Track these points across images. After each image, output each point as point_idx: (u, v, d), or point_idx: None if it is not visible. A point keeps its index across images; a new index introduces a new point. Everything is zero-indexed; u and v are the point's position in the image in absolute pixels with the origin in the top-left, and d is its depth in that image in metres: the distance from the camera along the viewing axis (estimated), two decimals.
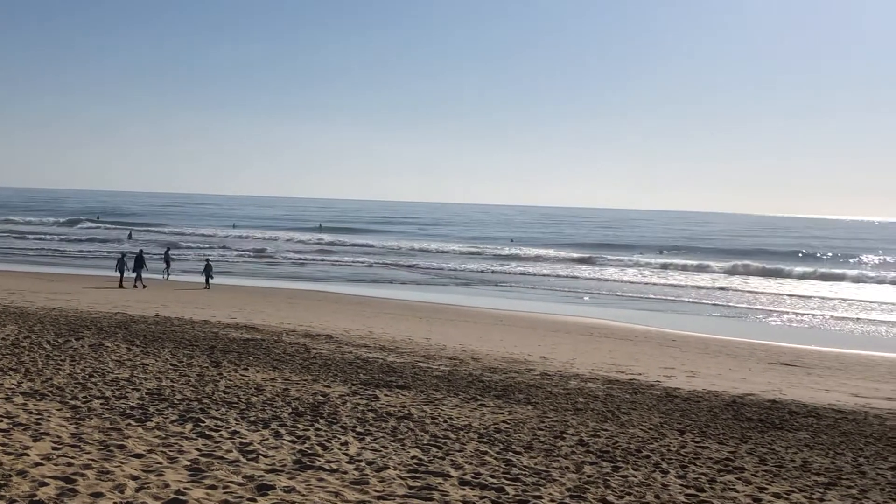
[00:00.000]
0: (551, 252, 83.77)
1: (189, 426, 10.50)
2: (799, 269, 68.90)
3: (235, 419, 11.22)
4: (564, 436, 12.19)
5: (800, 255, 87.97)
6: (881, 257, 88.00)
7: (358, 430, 11.28)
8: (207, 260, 45.67)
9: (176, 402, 12.11)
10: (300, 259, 69.59)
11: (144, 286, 40.37)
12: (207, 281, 42.42)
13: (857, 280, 60.84)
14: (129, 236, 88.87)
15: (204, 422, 10.80)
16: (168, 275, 46.30)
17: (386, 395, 14.52)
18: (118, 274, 41.44)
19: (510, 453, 10.69)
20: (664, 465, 10.75)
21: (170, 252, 50.73)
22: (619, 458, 10.94)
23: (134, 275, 41.19)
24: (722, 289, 52.88)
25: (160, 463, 8.55)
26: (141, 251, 44.71)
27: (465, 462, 9.93)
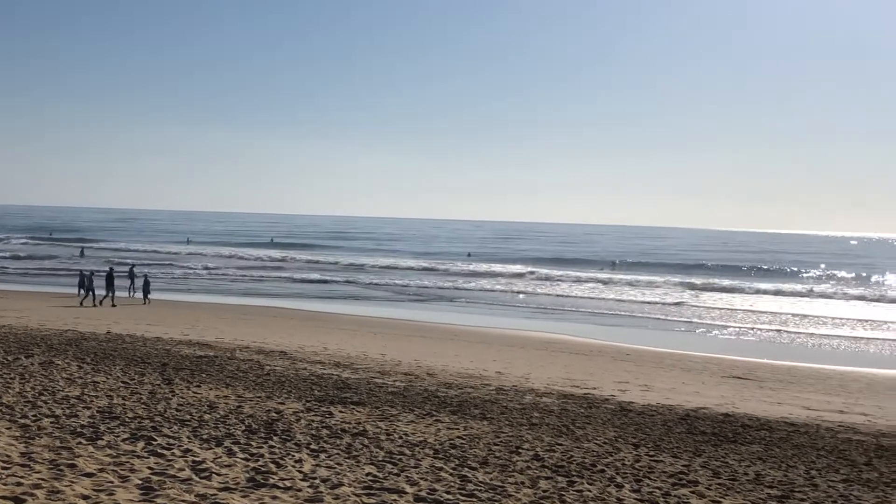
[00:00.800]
0: (508, 267, 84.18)
1: (141, 444, 10.36)
2: (752, 283, 69.88)
3: (188, 437, 11.09)
4: (520, 451, 12.19)
5: (754, 269, 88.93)
6: (833, 272, 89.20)
7: (312, 447, 11.20)
8: (145, 276, 44.99)
9: (127, 420, 11.95)
10: (254, 275, 69.05)
11: (114, 305, 39.61)
12: (145, 296, 42.05)
13: (809, 294, 61.62)
14: (81, 253, 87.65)
15: (156, 440, 10.67)
16: (133, 293, 44.76)
17: (341, 411, 14.44)
18: (85, 292, 40.15)
19: (466, 469, 10.67)
20: (619, 480, 10.77)
21: (134, 269, 49.09)
22: (574, 473, 10.95)
23: (103, 293, 40.35)
24: (677, 304, 53.11)
25: (111, 482, 8.42)
26: (111, 269, 43.78)
27: (421, 478, 9.89)
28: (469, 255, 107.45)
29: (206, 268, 74.82)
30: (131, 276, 46.57)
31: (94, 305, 39.17)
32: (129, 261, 70.49)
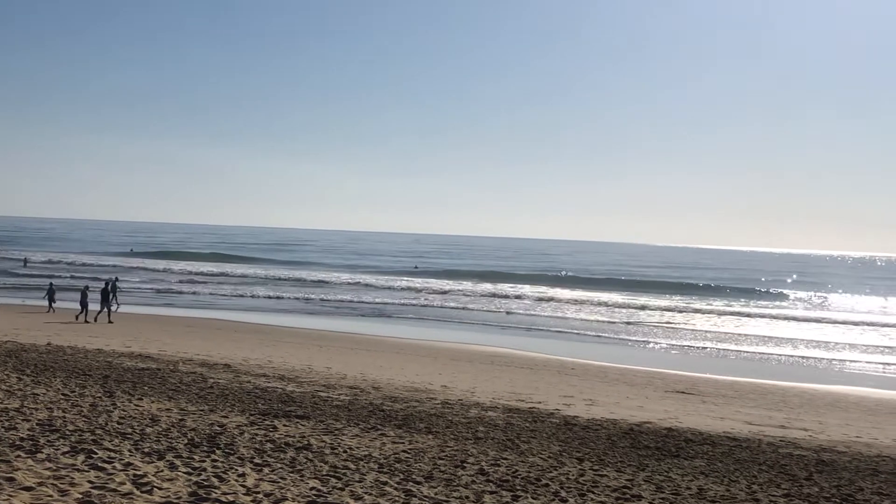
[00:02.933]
0: (454, 280, 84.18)
1: (81, 458, 10.19)
2: (696, 298, 70.79)
3: (129, 450, 10.93)
4: (465, 465, 12.18)
5: (697, 285, 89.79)
6: (776, 288, 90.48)
7: (256, 460, 11.10)
8: (85, 287, 42.21)
9: (68, 433, 11.75)
10: (198, 287, 68.34)
11: (110, 321, 37.99)
12: (83, 309, 39.50)
13: (751, 310, 62.46)
14: (25, 264, 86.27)
15: (96, 453, 10.50)
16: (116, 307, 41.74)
17: (285, 425, 14.33)
18: (80, 307, 38.59)
19: (410, 483, 10.64)
20: (563, 494, 10.81)
21: (116, 283, 44.99)
22: (518, 487, 10.97)
23: (98, 308, 38.78)
24: (628, 323, 53.47)
25: (50, 496, 8.27)
26: (107, 283, 41.59)
27: (365, 493, 9.85)
28: (416, 267, 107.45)
29: (150, 279, 73.88)
30: (113, 289, 44.88)
31: (87, 321, 37.70)
32: (79, 275, 69.45)
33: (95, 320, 37.99)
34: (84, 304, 38.67)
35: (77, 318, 38.18)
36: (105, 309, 38.86)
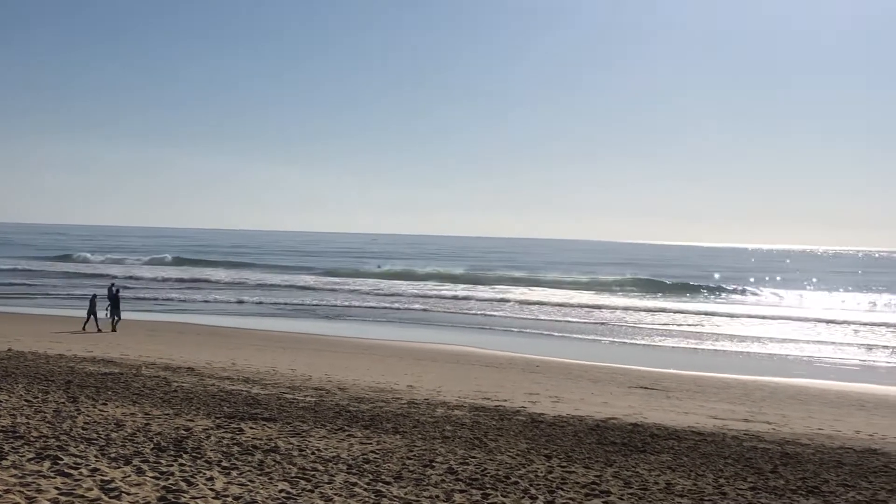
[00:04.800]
0: (419, 280, 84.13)
1: (47, 464, 10.09)
2: (657, 294, 71.32)
3: (95, 456, 10.84)
4: (433, 464, 12.20)
5: (659, 281, 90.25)
6: (738, 284, 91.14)
7: (223, 464, 11.05)
8: (94, 296, 40.29)
9: (32, 439, 11.63)
10: (158, 291, 67.81)
11: (114, 329, 37.23)
12: (90, 317, 38.20)
13: (713, 306, 63.11)
14: None
15: (62, 459, 10.40)
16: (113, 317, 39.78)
17: (251, 427, 14.27)
18: (87, 316, 37.67)
19: (380, 484, 10.64)
20: (533, 491, 10.85)
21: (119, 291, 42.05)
22: (488, 486, 11.00)
23: (109, 316, 37.98)
24: (592, 321, 53.71)
25: (18, 503, 8.20)
26: (117, 291, 40.38)
27: (335, 494, 9.84)
28: (379, 267, 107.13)
29: (109, 282, 73.08)
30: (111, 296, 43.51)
31: (98, 330, 36.79)
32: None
33: (113, 329, 37.31)
34: (92, 313, 37.87)
35: (84, 328, 37.20)
36: (115, 317, 38.13)
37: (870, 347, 40.44)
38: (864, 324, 50.59)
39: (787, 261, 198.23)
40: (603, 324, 49.35)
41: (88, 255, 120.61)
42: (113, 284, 43.81)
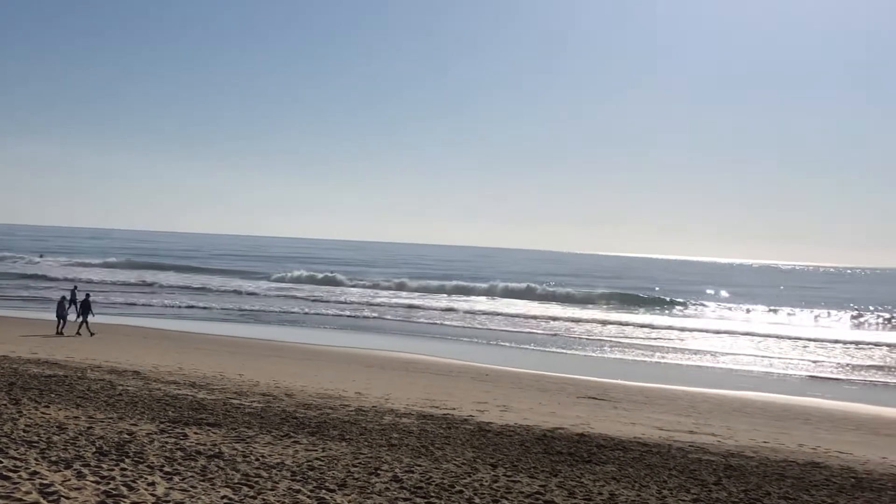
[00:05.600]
0: (372, 289, 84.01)
1: None
2: (607, 305, 71.92)
3: (35, 459, 10.69)
4: (379, 472, 12.17)
5: (608, 292, 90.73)
6: (692, 299, 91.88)
7: (166, 469, 10.94)
8: (62, 298, 39.37)
9: None
10: (109, 293, 67.00)
11: (92, 333, 36.73)
12: (62, 321, 37.70)
13: (662, 318, 63.67)
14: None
15: (1, 462, 10.25)
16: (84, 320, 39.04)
17: (196, 432, 14.15)
18: (58, 319, 37.25)
19: (323, 491, 10.59)
20: (477, 500, 10.87)
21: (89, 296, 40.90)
22: (432, 494, 11.00)
23: (78, 319, 37.68)
24: (547, 333, 53.87)
25: None
26: (87, 295, 40.01)
27: (277, 501, 9.79)
28: (332, 272, 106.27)
29: (61, 283, 72.29)
30: (73, 298, 42.82)
31: (69, 334, 36.46)
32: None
33: (90, 333, 36.92)
34: (62, 316, 37.45)
35: (58, 332, 36.82)
36: (84, 321, 37.72)
37: (818, 362, 40.91)
38: (815, 339, 51.12)
39: (767, 275, 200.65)
40: (554, 335, 49.55)
41: (37, 256, 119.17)
42: (76, 287, 43.35)
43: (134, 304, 58.15)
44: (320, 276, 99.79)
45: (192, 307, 58.31)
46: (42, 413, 14.73)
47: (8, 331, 36.02)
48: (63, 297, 38.98)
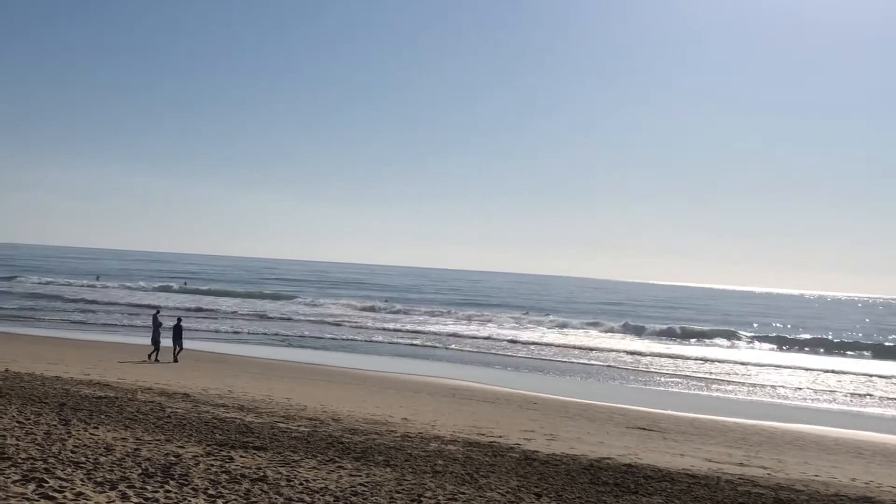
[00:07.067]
0: (423, 315, 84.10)
1: (32, 486, 10.05)
2: (658, 333, 71.39)
3: (81, 480, 10.79)
4: (422, 499, 12.11)
5: (659, 321, 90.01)
6: (737, 327, 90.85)
7: (210, 492, 10.99)
8: (159, 325, 39.74)
9: (20, 461, 11.59)
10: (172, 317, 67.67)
11: (176, 360, 36.97)
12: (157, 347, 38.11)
13: (714, 346, 62.98)
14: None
15: (48, 482, 10.36)
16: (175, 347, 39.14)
17: (241, 456, 14.20)
18: (153, 346, 37.77)
19: None
20: None
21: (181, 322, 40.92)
22: None
23: (172, 346, 37.98)
24: (597, 362, 53.57)
25: None
26: (179, 320, 40.51)
27: None
28: (386, 301, 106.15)
29: (113, 305, 73.44)
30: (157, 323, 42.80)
31: (165, 360, 36.72)
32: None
33: (176, 360, 37.18)
34: (156, 342, 37.95)
35: (150, 357, 37.13)
36: (177, 347, 38.05)
37: (871, 395, 40.21)
38: (867, 374, 50.20)
39: (817, 306, 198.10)
40: (609, 366, 49.19)
41: (94, 279, 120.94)
42: (158, 312, 43.63)
43: (188, 329, 58.73)
44: (366, 302, 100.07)
45: (237, 332, 58.76)
46: (91, 434, 14.88)
47: (39, 348, 36.51)
48: (160, 323, 39.38)
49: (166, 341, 38.51)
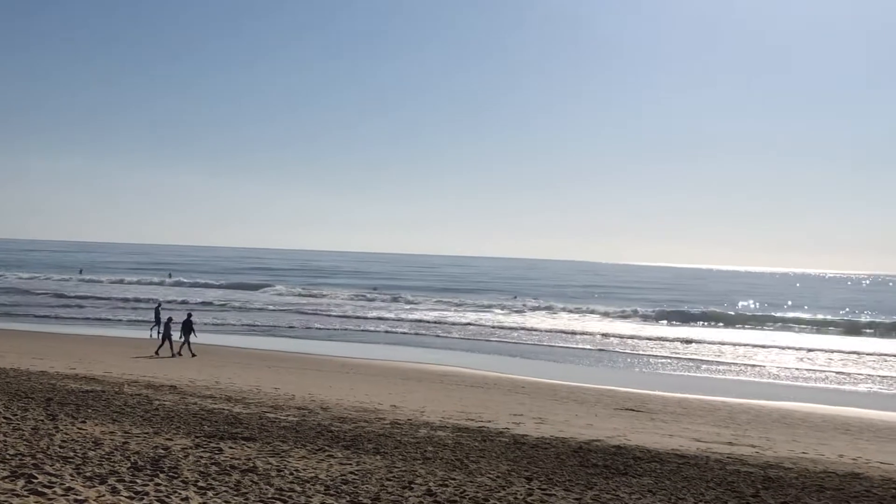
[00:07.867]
0: (409, 303, 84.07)
1: (21, 483, 9.99)
2: (645, 315, 71.60)
3: (71, 475, 10.74)
4: (412, 486, 12.11)
5: (647, 302, 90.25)
6: (723, 306, 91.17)
7: (200, 484, 10.95)
8: (169, 319, 39.84)
9: (8, 457, 11.52)
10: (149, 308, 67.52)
11: (194, 354, 36.52)
12: (165, 341, 38.02)
13: (700, 325, 63.14)
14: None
15: (37, 478, 10.30)
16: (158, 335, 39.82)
17: (231, 447, 14.16)
18: (161, 340, 37.76)
19: None
20: None
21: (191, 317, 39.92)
22: None
23: (180, 339, 37.58)
24: (584, 346, 53.66)
25: None
26: (189, 314, 39.77)
27: None
28: (375, 289, 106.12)
29: (94, 298, 73.15)
30: (157, 315, 42.27)
31: (172, 355, 36.35)
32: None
33: (180, 353, 36.73)
34: (167, 336, 37.79)
35: (157, 352, 36.91)
36: (186, 341, 37.69)
37: (857, 372, 40.39)
38: (854, 352, 50.37)
39: (798, 285, 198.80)
40: (597, 349, 49.25)
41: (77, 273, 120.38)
42: (160, 305, 43.44)
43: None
44: (353, 290, 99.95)
45: (224, 323, 58.61)
46: (78, 428, 14.82)
47: (32, 344, 36.35)
48: (169, 318, 39.29)
49: (176, 335, 38.08)
